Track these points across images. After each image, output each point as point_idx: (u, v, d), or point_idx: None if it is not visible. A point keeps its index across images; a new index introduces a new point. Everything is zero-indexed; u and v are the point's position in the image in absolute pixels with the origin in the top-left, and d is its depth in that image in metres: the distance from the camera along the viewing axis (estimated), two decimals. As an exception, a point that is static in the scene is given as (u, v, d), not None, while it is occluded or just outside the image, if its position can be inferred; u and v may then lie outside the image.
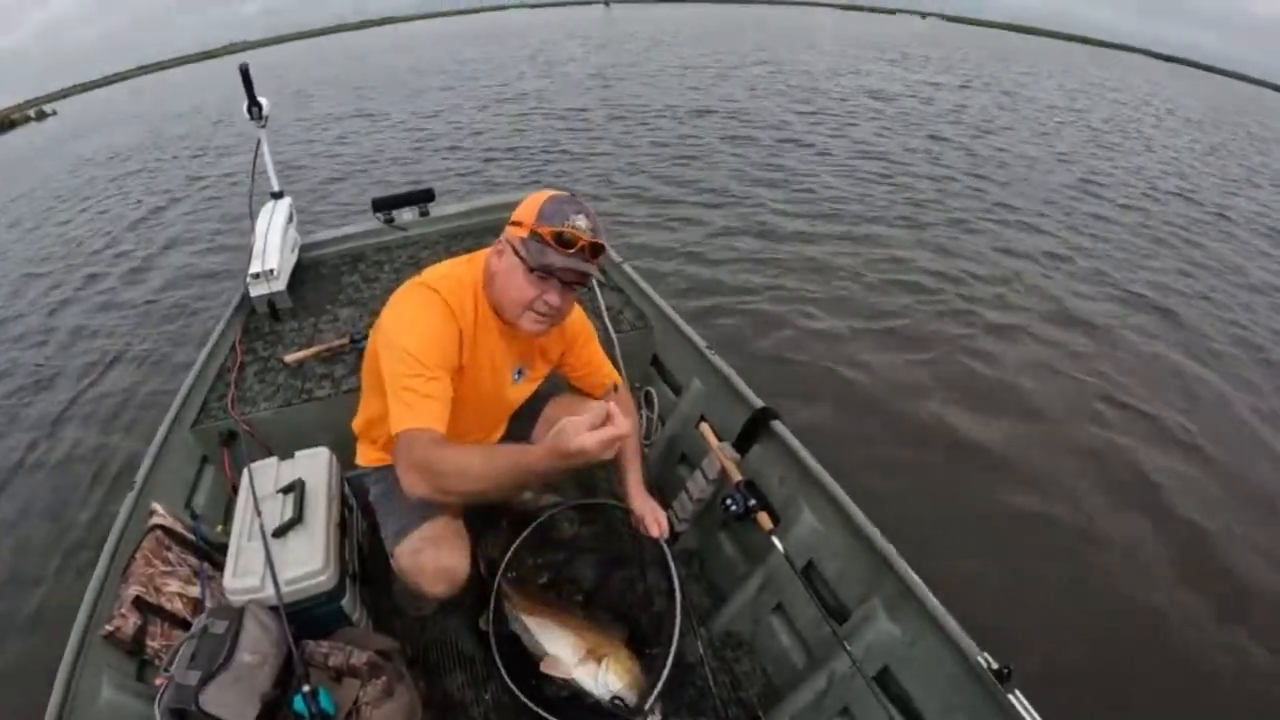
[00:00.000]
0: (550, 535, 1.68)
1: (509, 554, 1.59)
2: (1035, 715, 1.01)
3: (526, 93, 12.77)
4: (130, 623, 1.33)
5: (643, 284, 2.38)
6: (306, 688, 1.20)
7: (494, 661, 1.36)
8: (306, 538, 1.45)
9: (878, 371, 3.67)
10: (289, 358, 2.08)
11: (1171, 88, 23.64)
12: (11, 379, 4.12)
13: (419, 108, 11.88)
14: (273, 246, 2.40)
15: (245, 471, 1.58)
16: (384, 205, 2.97)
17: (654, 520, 1.47)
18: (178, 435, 1.85)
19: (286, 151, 9.07)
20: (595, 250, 1.19)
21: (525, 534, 1.62)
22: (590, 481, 2.03)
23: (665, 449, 2.06)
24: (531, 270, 1.18)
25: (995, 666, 1.06)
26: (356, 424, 1.53)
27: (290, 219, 2.69)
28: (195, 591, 1.52)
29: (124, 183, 9.01)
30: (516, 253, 1.20)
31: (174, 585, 1.50)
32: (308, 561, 1.41)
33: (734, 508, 1.50)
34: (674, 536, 1.61)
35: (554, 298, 1.21)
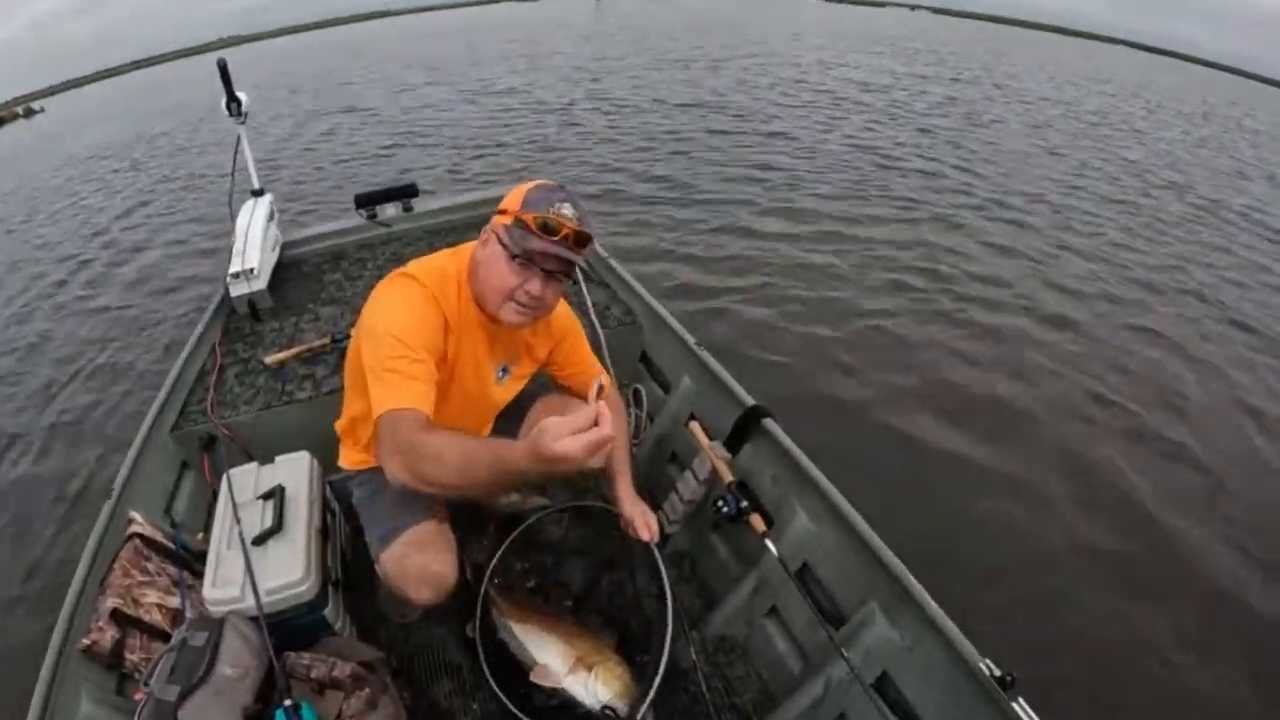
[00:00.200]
0: (537, 538, 1.66)
1: (495, 559, 1.56)
2: None
3: (514, 87, 12.64)
4: (108, 636, 1.30)
5: (630, 279, 2.35)
6: (288, 701, 1.16)
7: (481, 670, 1.33)
8: (287, 546, 1.41)
9: (866, 370, 3.62)
10: (269, 359, 2.04)
11: (1161, 80, 23.72)
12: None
13: (406, 103, 11.73)
14: (253, 245, 2.36)
15: (224, 478, 1.55)
16: (367, 201, 2.92)
17: (644, 523, 1.44)
18: (157, 440, 1.81)
19: (270, 148, 8.92)
20: (580, 239, 1.16)
21: (512, 537, 1.60)
22: (578, 483, 1.99)
23: (654, 448, 2.03)
24: (514, 258, 1.15)
25: (998, 673, 1.04)
26: (339, 425, 1.49)
27: (271, 217, 2.64)
28: (175, 602, 1.49)
29: (107, 182, 8.82)
30: (500, 240, 1.17)
31: (152, 596, 1.46)
32: (288, 571, 1.37)
33: (726, 509, 1.47)
34: (664, 538, 1.58)
35: (536, 286, 1.17)
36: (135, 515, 1.57)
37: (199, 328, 2.20)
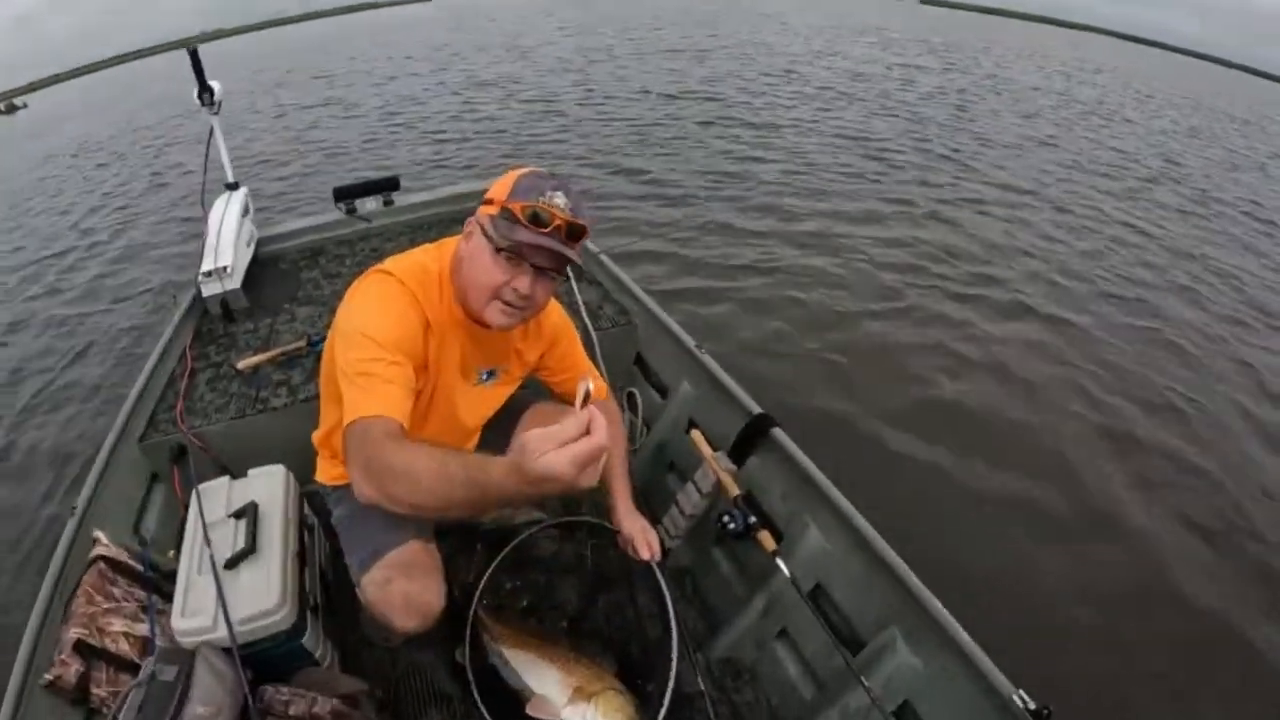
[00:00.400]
0: (529, 555, 1.55)
1: (485, 578, 1.47)
2: None
3: (501, 76, 12.42)
4: (72, 670, 1.21)
5: (623, 276, 2.25)
6: (264, 743, 1.07)
7: (473, 699, 1.23)
8: (261, 570, 1.31)
9: (865, 375, 3.49)
10: (242, 364, 1.93)
11: (1148, 70, 23.77)
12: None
13: (389, 94, 11.49)
14: (226, 241, 2.24)
15: (193, 494, 1.44)
16: (346, 195, 2.80)
17: (644, 541, 1.35)
18: (124, 451, 1.70)
19: (249, 141, 8.71)
20: (574, 232, 1.05)
21: (502, 555, 1.50)
22: (572, 495, 1.89)
23: (652, 456, 1.94)
24: (500, 251, 1.05)
25: (1033, 706, 0.96)
26: (316, 436, 1.39)
27: (246, 211, 2.52)
28: (143, 629, 1.39)
29: (87, 177, 8.53)
30: (485, 233, 1.07)
31: (118, 624, 1.36)
32: (263, 598, 1.27)
33: (733, 526, 1.38)
34: (664, 553, 1.49)
35: (524, 284, 1.07)
36: (99, 535, 1.47)
37: (168, 330, 2.08)
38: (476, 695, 1.24)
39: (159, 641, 1.33)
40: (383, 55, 16.60)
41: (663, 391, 2.00)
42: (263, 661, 1.28)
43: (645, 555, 1.34)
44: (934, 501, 2.67)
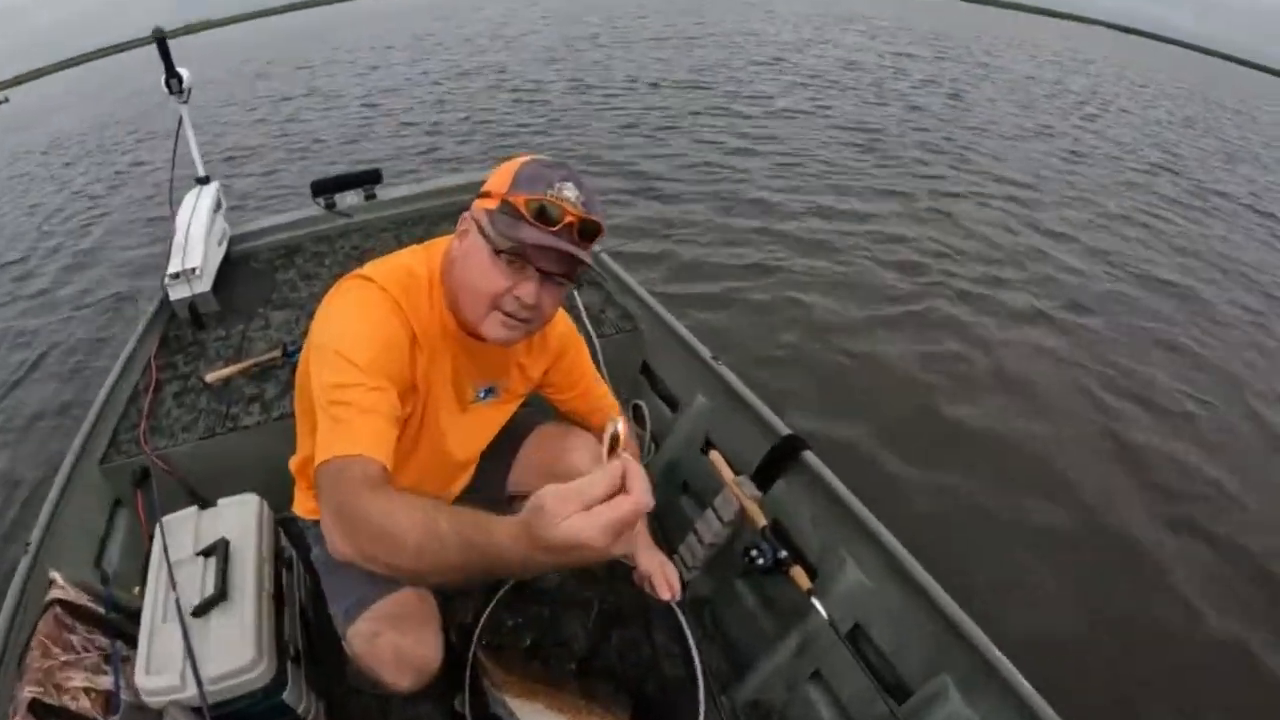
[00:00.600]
0: (531, 586, 1.42)
1: (484, 616, 1.33)
2: None
3: (487, 65, 12.16)
4: (28, 734, 1.06)
5: (627, 278, 2.10)
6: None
7: None
8: (233, 618, 1.17)
9: (876, 382, 3.31)
10: (210, 376, 1.76)
11: (1139, 60, 23.77)
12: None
13: (373, 84, 11.19)
14: (195, 240, 2.07)
15: (157, 528, 1.29)
16: (325, 188, 2.63)
17: (664, 580, 1.21)
18: (84, 475, 1.54)
19: (225, 133, 8.44)
20: (587, 231, 0.89)
21: (503, 590, 1.37)
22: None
23: (662, 477, 1.78)
24: (499, 253, 0.89)
25: None
26: (293, 463, 1.23)
27: (218, 207, 2.35)
28: (107, 681, 1.24)
29: (52, 175, 8.20)
30: (482, 231, 0.91)
31: (78, 679, 1.21)
32: (236, 652, 1.13)
33: (761, 560, 1.25)
34: (683, 587, 1.36)
35: (529, 291, 0.91)
36: (55, 576, 1.31)
37: (132, 339, 1.91)
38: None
39: (124, 696, 1.19)
40: (365, 45, 16.24)
41: (672, 404, 1.85)
42: (239, 721, 1.14)
43: (665, 595, 1.20)
44: (968, 530, 2.49)
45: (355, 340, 0.89)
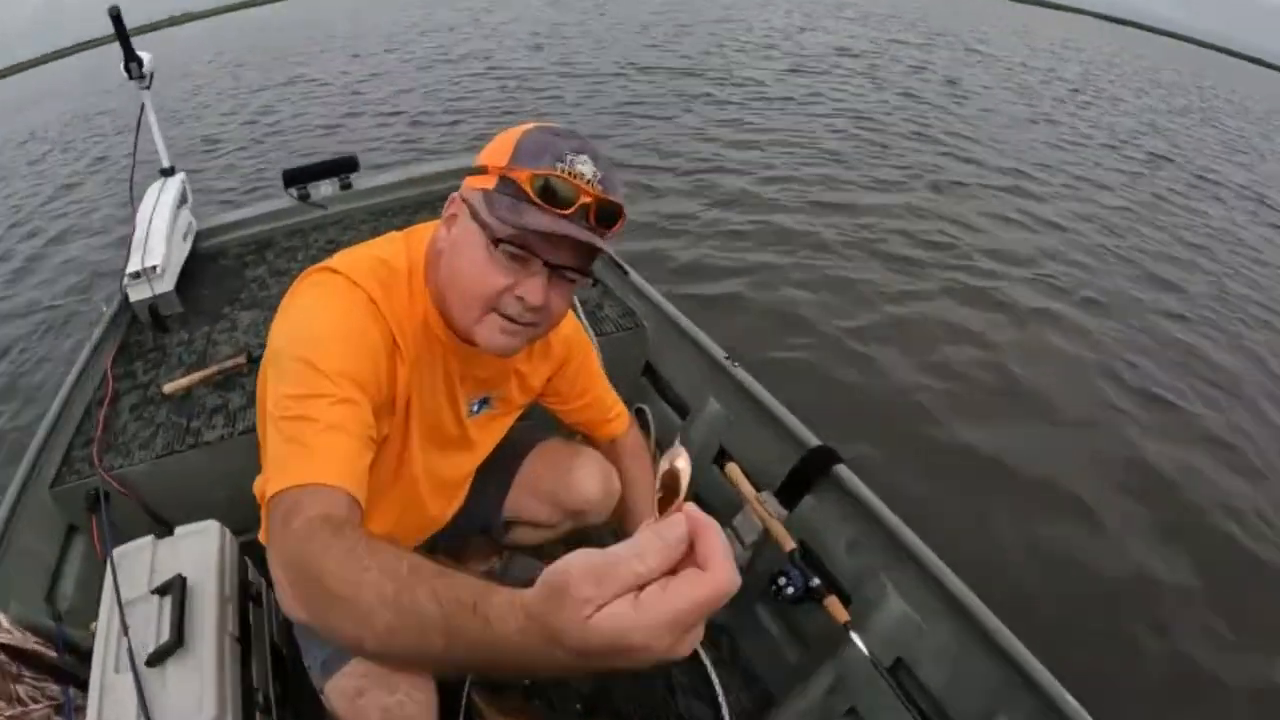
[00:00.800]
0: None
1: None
2: None
3: (472, 52, 11.89)
4: (-31, 803, 0.93)
5: (629, 270, 1.95)
6: None
7: None
8: (192, 670, 1.02)
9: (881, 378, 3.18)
10: (168, 387, 1.60)
11: (1130, 49, 23.77)
12: None
13: (354, 72, 10.90)
14: (157, 236, 1.91)
15: (108, 563, 1.14)
16: (298, 178, 2.47)
17: None
18: (33, 499, 1.40)
19: (194, 119, 8.19)
20: (605, 214, 0.71)
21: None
22: (582, 538, 1.61)
23: None
24: (498, 243, 0.72)
25: None
26: (257, 485, 1.07)
27: (183, 200, 2.18)
28: (57, 736, 1.10)
29: (33, 167, 7.93)
30: (476, 216, 0.73)
31: (26, 735, 1.07)
32: (194, 706, 0.98)
33: (791, 590, 1.11)
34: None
35: (534, 291, 0.74)
36: (0, 617, 1.16)
37: (88, 345, 1.75)
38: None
39: (75, 751, 1.05)
40: (353, 33, 15.90)
41: (681, 410, 1.71)
42: (201, 787, 0.99)
43: None
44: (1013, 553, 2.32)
45: (317, 342, 0.73)
